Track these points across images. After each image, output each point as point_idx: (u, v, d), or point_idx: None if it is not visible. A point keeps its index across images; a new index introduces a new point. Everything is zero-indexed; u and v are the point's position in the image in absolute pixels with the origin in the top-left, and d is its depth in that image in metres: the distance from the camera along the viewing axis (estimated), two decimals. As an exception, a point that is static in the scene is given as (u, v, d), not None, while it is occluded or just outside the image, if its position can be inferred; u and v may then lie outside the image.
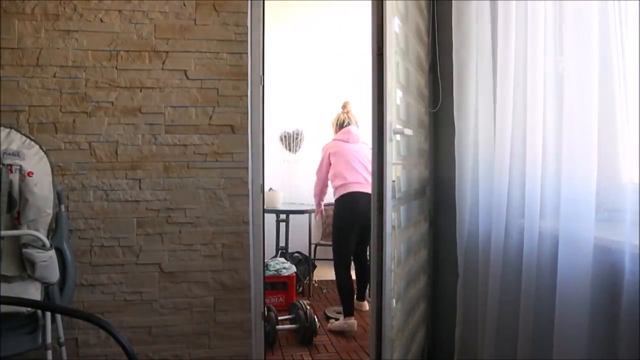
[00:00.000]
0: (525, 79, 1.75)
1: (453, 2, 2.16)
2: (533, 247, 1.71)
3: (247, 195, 2.58)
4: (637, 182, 1.49)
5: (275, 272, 3.92)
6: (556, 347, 1.55)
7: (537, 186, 1.70)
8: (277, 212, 4.59)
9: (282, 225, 4.65)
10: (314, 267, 4.66)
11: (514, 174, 1.85)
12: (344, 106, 3.88)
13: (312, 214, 4.45)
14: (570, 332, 1.50)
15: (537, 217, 1.71)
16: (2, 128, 2.05)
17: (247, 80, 2.56)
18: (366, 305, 3.94)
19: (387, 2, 1.96)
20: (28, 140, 2.07)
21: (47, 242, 2.00)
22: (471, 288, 2.10)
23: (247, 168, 2.59)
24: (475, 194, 2.06)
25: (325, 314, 3.82)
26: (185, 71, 2.53)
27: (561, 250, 1.55)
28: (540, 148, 1.70)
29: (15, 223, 2.00)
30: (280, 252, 4.64)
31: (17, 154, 2.00)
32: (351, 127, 3.72)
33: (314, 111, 5.07)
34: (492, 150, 1.96)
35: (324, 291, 4.48)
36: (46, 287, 2.05)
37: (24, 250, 1.96)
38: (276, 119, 4.84)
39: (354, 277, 3.73)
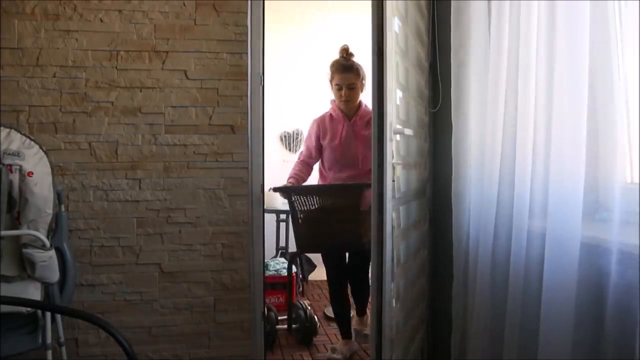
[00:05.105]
0: (517, 79, 1.75)
1: (452, 2, 2.16)
2: (521, 248, 1.71)
3: (247, 195, 2.58)
4: (629, 181, 1.50)
5: (275, 272, 3.92)
6: (541, 348, 1.55)
7: (527, 187, 1.70)
8: (277, 212, 4.58)
9: (282, 225, 4.65)
10: (314, 267, 4.65)
11: (504, 174, 1.85)
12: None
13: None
14: (556, 334, 1.50)
15: (525, 218, 1.71)
16: (2, 128, 2.05)
17: (247, 80, 2.56)
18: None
19: (387, 2, 1.96)
20: (28, 140, 2.07)
21: (47, 242, 2.00)
22: (465, 289, 2.11)
23: (247, 168, 2.58)
24: (472, 194, 2.06)
25: (325, 314, 3.81)
26: (185, 71, 2.53)
27: (548, 250, 1.55)
28: (531, 148, 1.70)
29: (15, 223, 2.00)
30: (280, 252, 4.64)
31: (17, 154, 2.00)
32: None
33: (314, 111, 5.06)
34: (483, 151, 1.96)
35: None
36: (46, 287, 2.05)
37: (24, 250, 1.96)
38: (276, 119, 4.84)
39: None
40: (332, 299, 3.21)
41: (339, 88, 3.00)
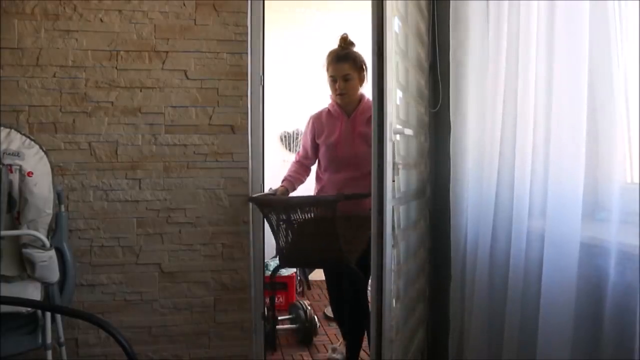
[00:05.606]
0: (516, 79, 1.75)
1: (451, 2, 2.16)
2: (520, 251, 1.71)
3: (247, 195, 2.58)
4: (629, 181, 1.50)
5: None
6: (540, 349, 1.55)
7: (526, 187, 1.70)
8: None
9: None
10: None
11: (503, 175, 1.84)
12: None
13: None
14: (555, 334, 1.50)
15: (525, 218, 1.70)
16: (2, 128, 2.05)
17: (247, 80, 2.57)
18: None
19: (387, 2, 1.96)
20: (28, 140, 2.07)
21: (47, 242, 2.00)
22: (463, 290, 2.11)
23: (247, 168, 2.59)
24: (470, 195, 2.06)
25: (325, 314, 3.81)
26: (185, 71, 2.53)
27: (547, 251, 1.55)
28: (530, 148, 1.69)
29: (15, 223, 2.00)
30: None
31: (17, 154, 2.00)
32: None
33: (314, 111, 5.07)
34: (482, 151, 1.96)
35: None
36: (46, 287, 2.05)
37: (24, 250, 1.96)
38: (276, 119, 4.84)
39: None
40: (330, 301, 3.13)
41: (333, 80, 2.71)
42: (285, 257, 2.64)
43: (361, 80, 2.73)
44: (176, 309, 2.56)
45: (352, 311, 2.75)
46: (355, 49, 2.74)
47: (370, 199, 2.04)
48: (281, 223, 2.58)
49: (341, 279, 2.84)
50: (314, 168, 2.97)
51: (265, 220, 2.64)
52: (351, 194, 2.54)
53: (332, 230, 2.44)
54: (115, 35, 2.48)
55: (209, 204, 2.57)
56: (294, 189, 2.87)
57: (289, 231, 2.57)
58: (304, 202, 2.58)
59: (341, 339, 3.09)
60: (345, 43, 2.73)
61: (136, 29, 2.50)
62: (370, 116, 2.20)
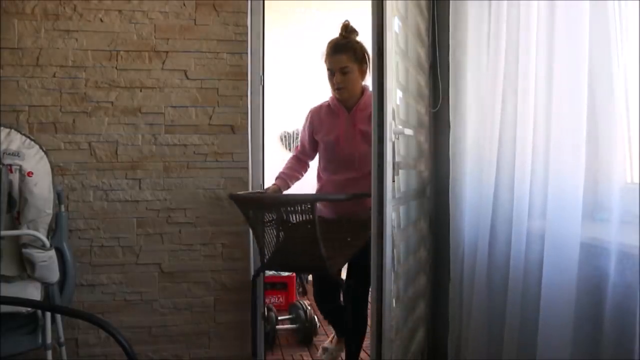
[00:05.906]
0: (516, 79, 1.75)
1: (451, 2, 2.17)
2: (520, 252, 1.71)
3: (247, 195, 2.58)
4: (629, 181, 1.50)
5: (275, 272, 3.91)
6: (540, 349, 1.55)
7: (526, 187, 1.69)
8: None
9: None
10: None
11: (502, 175, 1.84)
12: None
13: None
14: (555, 335, 1.50)
15: (524, 219, 1.70)
16: (2, 128, 2.05)
17: (247, 80, 2.57)
18: None
19: (387, 2, 1.95)
20: (28, 140, 2.07)
21: (47, 242, 2.00)
22: (461, 291, 2.11)
23: (247, 168, 2.59)
24: (470, 195, 2.06)
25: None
26: (185, 71, 2.53)
27: (547, 251, 1.55)
28: (530, 148, 1.69)
29: (15, 223, 2.00)
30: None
31: (17, 154, 2.00)
32: None
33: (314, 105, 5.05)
34: (481, 151, 1.96)
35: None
36: (46, 287, 2.05)
37: (24, 250, 1.96)
38: (276, 119, 4.84)
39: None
40: (318, 305, 2.82)
41: (330, 73, 2.47)
42: (267, 260, 2.39)
43: (362, 72, 2.50)
44: (176, 309, 2.56)
45: (344, 314, 2.60)
46: (359, 38, 2.51)
47: (370, 199, 2.03)
48: (263, 223, 2.37)
49: (327, 284, 2.67)
50: (313, 163, 2.80)
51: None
52: (324, 195, 2.47)
53: (313, 234, 2.21)
54: (115, 35, 2.48)
55: (209, 204, 2.57)
56: (288, 186, 2.67)
57: (271, 232, 2.38)
58: (281, 202, 2.40)
59: (335, 338, 2.87)
60: (347, 31, 2.49)
61: (136, 29, 2.50)
62: (371, 112, 2.03)
